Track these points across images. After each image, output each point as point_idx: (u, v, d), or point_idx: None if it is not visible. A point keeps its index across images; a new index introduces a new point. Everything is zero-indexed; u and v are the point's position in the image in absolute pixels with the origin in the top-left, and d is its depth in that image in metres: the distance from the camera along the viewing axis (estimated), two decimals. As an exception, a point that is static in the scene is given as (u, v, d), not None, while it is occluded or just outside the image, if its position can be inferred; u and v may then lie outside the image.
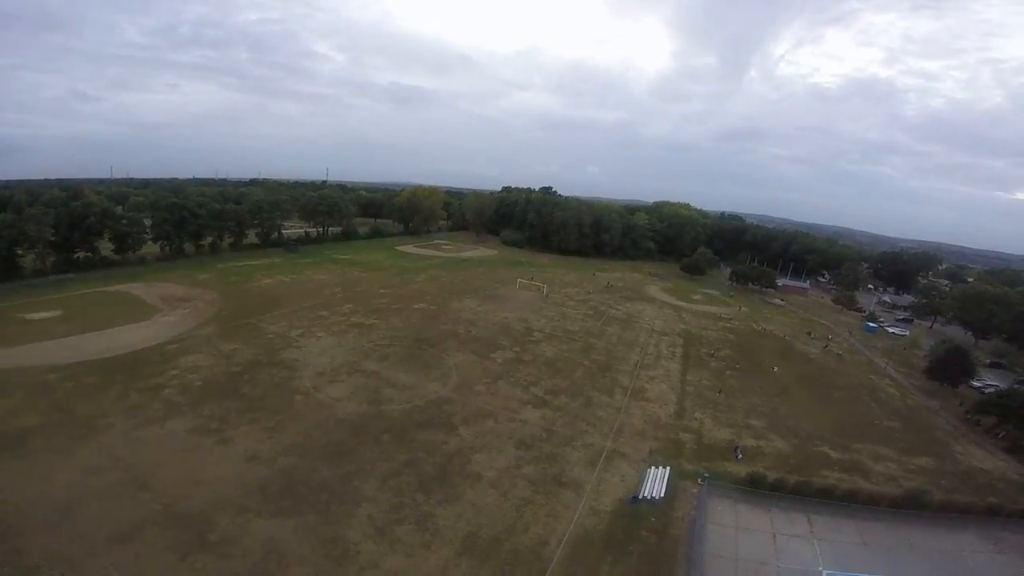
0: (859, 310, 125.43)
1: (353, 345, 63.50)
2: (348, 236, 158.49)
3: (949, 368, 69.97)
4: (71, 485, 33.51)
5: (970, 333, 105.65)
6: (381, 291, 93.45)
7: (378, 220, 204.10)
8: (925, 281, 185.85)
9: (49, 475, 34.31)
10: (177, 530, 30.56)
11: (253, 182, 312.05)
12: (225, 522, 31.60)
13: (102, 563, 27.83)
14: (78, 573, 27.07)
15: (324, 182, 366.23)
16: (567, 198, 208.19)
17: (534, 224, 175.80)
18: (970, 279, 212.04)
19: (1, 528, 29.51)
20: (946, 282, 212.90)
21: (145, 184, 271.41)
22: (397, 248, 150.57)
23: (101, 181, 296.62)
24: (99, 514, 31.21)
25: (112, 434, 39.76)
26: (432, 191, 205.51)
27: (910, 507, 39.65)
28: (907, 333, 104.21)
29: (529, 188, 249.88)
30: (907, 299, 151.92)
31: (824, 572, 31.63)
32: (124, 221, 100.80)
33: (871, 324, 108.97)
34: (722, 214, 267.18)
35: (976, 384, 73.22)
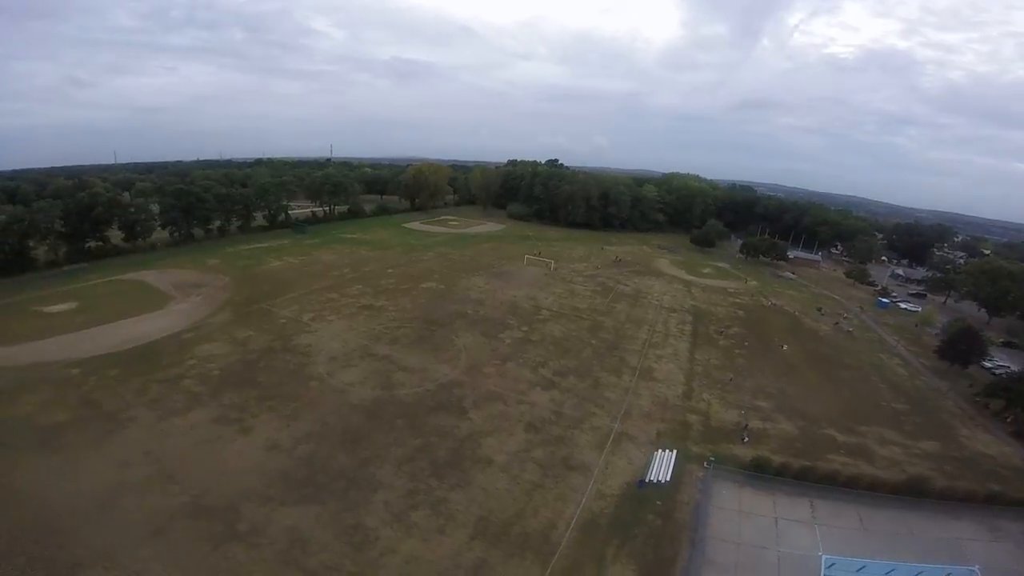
0: (872, 284, 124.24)
1: (364, 328, 64.55)
2: (355, 214, 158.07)
3: (960, 349, 69.33)
4: (105, 479, 34.79)
5: (984, 310, 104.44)
6: (389, 271, 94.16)
7: (384, 197, 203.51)
8: (940, 254, 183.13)
9: (84, 470, 35.63)
10: (207, 521, 31.92)
11: (258, 162, 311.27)
12: (251, 512, 32.92)
13: (141, 556, 29.16)
14: (120, 567, 28.37)
15: (328, 160, 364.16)
16: (574, 171, 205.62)
17: (541, 198, 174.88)
18: (986, 251, 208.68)
19: (45, 523, 30.75)
20: (961, 254, 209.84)
21: (149, 169, 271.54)
22: (404, 225, 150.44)
23: (106, 168, 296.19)
24: (133, 508, 32.50)
25: (138, 427, 41.05)
26: (438, 167, 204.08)
27: (911, 493, 40.04)
28: (919, 309, 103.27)
29: (535, 161, 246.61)
30: (921, 272, 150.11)
31: (823, 557, 32.45)
32: (132, 209, 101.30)
33: (883, 299, 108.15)
34: (733, 185, 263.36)
35: (987, 365, 72.66)
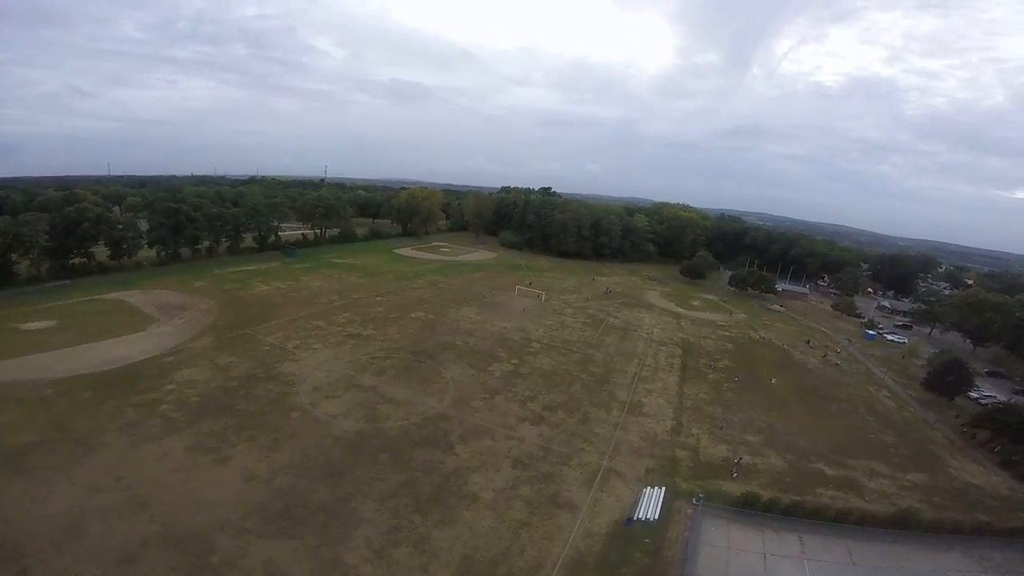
0: (858, 316, 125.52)
1: (350, 358, 63.29)
2: (346, 238, 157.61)
3: (946, 380, 70.03)
4: (73, 505, 33.74)
5: (969, 340, 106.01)
6: (378, 299, 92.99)
7: (376, 221, 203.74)
8: (924, 286, 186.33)
9: (51, 494, 34.56)
10: (179, 551, 30.83)
11: (251, 180, 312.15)
12: (225, 543, 31.84)
13: (109, 585, 28.06)
14: (84, 595, 27.21)
15: (322, 180, 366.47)
16: (566, 200, 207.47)
17: (533, 226, 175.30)
18: (969, 281, 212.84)
19: (7, 548, 29.77)
20: (945, 284, 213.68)
21: (142, 183, 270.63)
22: (395, 251, 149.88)
23: (99, 179, 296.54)
24: (102, 535, 31.47)
25: (110, 452, 39.80)
26: (431, 192, 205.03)
27: (900, 526, 40.18)
28: (906, 341, 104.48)
29: (528, 188, 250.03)
30: (907, 304, 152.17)
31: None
32: (119, 226, 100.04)
33: (870, 332, 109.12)
34: (722, 215, 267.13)
35: (973, 395, 73.39)
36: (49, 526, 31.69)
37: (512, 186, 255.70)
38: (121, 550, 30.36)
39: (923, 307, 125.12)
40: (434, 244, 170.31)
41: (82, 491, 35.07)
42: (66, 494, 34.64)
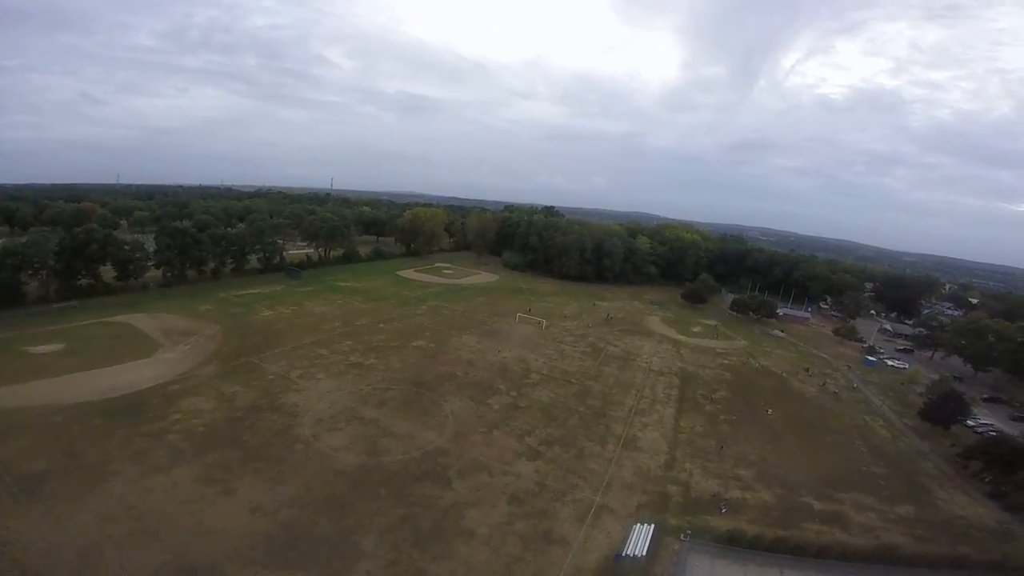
0: (860, 340, 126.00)
1: (352, 389, 64.17)
2: (350, 259, 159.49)
3: (943, 410, 71.16)
4: (87, 532, 35.34)
5: (970, 365, 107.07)
6: (381, 325, 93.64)
7: (380, 239, 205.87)
8: (928, 306, 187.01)
9: (66, 521, 36.17)
10: (189, 580, 32.12)
11: (258, 192, 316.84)
12: (234, 573, 33.42)
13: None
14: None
15: (328, 193, 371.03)
16: (569, 221, 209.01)
17: (536, 248, 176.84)
18: (974, 300, 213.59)
19: (26, 573, 31.32)
20: (949, 305, 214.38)
21: (150, 194, 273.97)
22: (398, 273, 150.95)
23: (108, 188, 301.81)
24: (115, 562, 33.02)
25: (120, 481, 41.30)
26: (434, 212, 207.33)
27: (880, 560, 41.60)
28: (906, 366, 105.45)
29: (532, 206, 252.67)
30: (909, 327, 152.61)
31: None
32: (126, 247, 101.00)
33: (870, 358, 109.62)
34: (723, 235, 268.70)
35: (970, 424, 74.41)
36: (67, 554, 33.22)
37: (516, 204, 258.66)
38: (134, 579, 31.55)
39: (925, 332, 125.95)
40: (437, 265, 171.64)
41: (96, 520, 36.60)
42: (81, 522, 36.19)
